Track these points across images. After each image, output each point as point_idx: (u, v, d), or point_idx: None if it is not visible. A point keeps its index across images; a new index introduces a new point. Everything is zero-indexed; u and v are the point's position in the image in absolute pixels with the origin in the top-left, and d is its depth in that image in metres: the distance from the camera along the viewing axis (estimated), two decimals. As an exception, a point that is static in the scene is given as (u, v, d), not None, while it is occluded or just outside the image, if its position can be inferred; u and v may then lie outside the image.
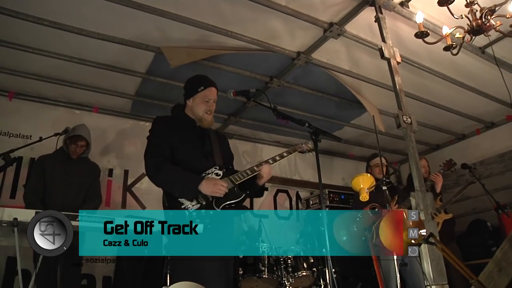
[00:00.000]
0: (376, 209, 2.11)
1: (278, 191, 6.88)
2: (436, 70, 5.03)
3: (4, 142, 4.92)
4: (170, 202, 2.77)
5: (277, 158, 3.14)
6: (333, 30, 4.21)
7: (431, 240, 2.18)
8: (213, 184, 2.75)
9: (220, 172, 2.91)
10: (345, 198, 6.38)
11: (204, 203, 2.72)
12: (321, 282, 4.43)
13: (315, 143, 2.94)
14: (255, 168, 2.97)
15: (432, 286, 2.97)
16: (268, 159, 3.08)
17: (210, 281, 2.53)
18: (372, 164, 4.83)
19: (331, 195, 6.31)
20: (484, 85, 5.44)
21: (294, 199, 7.04)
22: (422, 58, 4.80)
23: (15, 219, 3.51)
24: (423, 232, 2.37)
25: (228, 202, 2.79)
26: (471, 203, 5.85)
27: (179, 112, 3.18)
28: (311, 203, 6.64)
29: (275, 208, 6.73)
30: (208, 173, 2.87)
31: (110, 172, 5.58)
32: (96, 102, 5.58)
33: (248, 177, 2.94)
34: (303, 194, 7.10)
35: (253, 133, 6.67)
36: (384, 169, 4.67)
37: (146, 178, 5.61)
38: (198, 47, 4.40)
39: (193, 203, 2.71)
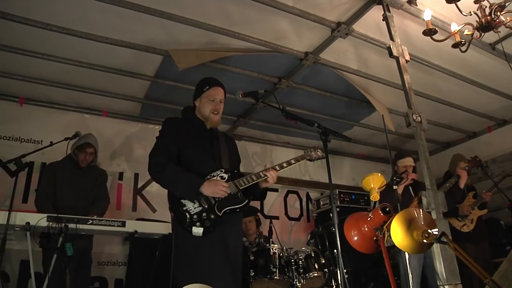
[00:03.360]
0: (388, 209, 2.10)
1: (288, 192, 6.87)
2: (445, 68, 5.00)
3: (16, 148, 4.98)
4: (173, 203, 2.77)
5: (285, 165, 3.10)
6: (340, 29, 4.20)
7: (443, 239, 2.14)
8: (214, 184, 2.74)
9: (225, 176, 2.88)
10: (355, 198, 6.34)
11: (206, 206, 2.70)
12: (333, 282, 4.43)
13: (325, 143, 2.93)
14: (261, 174, 2.94)
15: (445, 286, 2.94)
16: (275, 165, 3.04)
17: (216, 284, 2.52)
18: (400, 164, 4.73)
19: (342, 195, 6.28)
20: (494, 82, 5.39)
21: (304, 200, 7.02)
22: (431, 56, 4.77)
23: (28, 223, 3.57)
24: (435, 231, 2.33)
25: (230, 207, 2.76)
26: (484, 202, 5.77)
27: (189, 113, 3.17)
28: (321, 203, 6.61)
29: (286, 209, 6.72)
30: (214, 176, 2.85)
31: (120, 175, 5.61)
32: (105, 106, 5.62)
33: (253, 182, 2.91)
34: (313, 194, 7.08)
35: (262, 134, 6.67)
36: (411, 170, 4.61)
37: (157, 181, 5.67)
38: (206, 49, 4.41)
39: (195, 205, 2.69)
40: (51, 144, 4.23)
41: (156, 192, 5.69)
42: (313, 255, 4.35)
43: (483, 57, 4.78)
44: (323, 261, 4.39)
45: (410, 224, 2.40)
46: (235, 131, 6.33)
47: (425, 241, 2.26)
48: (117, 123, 5.75)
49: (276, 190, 6.66)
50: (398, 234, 2.33)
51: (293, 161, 3.17)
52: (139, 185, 5.69)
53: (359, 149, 7.50)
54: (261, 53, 4.54)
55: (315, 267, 4.26)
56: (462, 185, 4.71)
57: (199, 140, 3.02)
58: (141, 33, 4.19)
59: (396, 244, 2.32)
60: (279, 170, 3.02)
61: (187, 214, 2.66)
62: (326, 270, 4.34)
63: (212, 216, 2.68)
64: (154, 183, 5.70)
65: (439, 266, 3.01)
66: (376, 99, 5.49)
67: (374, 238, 2.14)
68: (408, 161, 4.72)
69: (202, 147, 3.00)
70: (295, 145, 7.04)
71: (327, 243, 5.02)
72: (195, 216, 2.65)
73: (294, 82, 5.13)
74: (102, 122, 5.57)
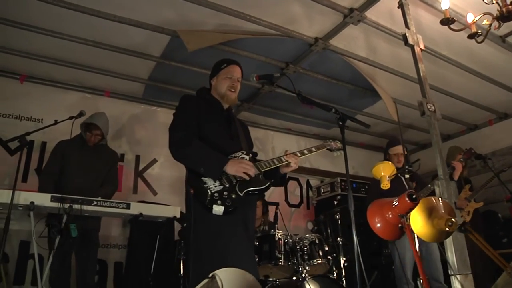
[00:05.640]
0: (414, 196, 2.07)
1: (289, 178, 6.79)
2: (453, 59, 4.97)
3: (16, 125, 4.92)
4: (193, 180, 2.68)
5: (306, 152, 3.08)
6: (353, 16, 4.14)
7: (466, 228, 2.14)
8: (238, 162, 2.68)
9: (247, 157, 2.82)
10: (356, 187, 6.36)
11: (227, 185, 2.63)
12: (334, 270, 4.44)
13: (342, 129, 2.91)
14: (282, 158, 2.90)
15: (457, 276, 2.94)
16: (296, 152, 3.01)
17: (241, 267, 2.47)
18: (391, 152, 4.74)
19: (343, 184, 6.30)
20: (500, 75, 5.38)
21: (304, 187, 7.02)
22: (440, 47, 4.73)
23: (32, 202, 3.50)
24: (455, 220, 2.32)
25: (251, 188, 2.69)
26: (482, 194, 5.81)
27: (205, 93, 3.09)
28: (322, 191, 6.62)
29: (286, 195, 6.70)
30: (235, 156, 2.79)
31: (122, 157, 5.51)
32: (108, 86, 5.52)
33: (275, 166, 2.87)
34: (313, 182, 7.10)
35: (265, 120, 6.61)
36: (402, 158, 4.60)
37: (158, 163, 5.63)
38: (215, 31, 4.33)
39: (216, 183, 2.62)
40: (56, 122, 4.13)
41: (157, 174, 5.67)
42: (317, 242, 4.33)
43: (491, 49, 4.75)
44: (327, 249, 4.38)
45: (431, 213, 2.40)
46: (238, 115, 6.23)
47: (447, 229, 2.25)
48: (119, 104, 5.66)
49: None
50: (418, 222, 2.32)
51: (314, 149, 3.16)
52: (140, 167, 5.63)
53: (359, 138, 7.46)
54: (271, 36, 4.46)
55: (319, 254, 4.25)
56: (456, 177, 4.68)
57: (217, 118, 2.95)
58: (151, 12, 4.09)
59: (416, 232, 2.31)
60: (300, 157, 2.98)
61: (208, 191, 2.58)
62: (329, 257, 4.34)
63: (234, 196, 2.61)
64: (155, 165, 5.67)
65: (451, 256, 3.01)
66: (382, 89, 5.45)
67: (399, 225, 2.12)
68: (399, 149, 4.73)
69: (220, 125, 2.93)
70: (297, 132, 7.04)
71: (329, 231, 5.04)
72: (216, 194, 2.57)
73: (301, 67, 5.07)
74: (104, 102, 5.47)
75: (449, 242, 3.01)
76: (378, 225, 2.21)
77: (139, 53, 4.74)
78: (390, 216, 2.16)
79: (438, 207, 2.43)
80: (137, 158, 5.63)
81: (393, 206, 2.14)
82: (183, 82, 5.26)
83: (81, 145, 4.37)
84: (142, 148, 5.67)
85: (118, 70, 5.15)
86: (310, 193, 7.02)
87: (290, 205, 6.69)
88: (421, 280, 3.72)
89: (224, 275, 1.34)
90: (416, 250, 2.07)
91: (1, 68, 4.99)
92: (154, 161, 5.68)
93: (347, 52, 4.83)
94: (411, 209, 2.11)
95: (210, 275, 1.35)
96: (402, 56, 4.87)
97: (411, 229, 2.20)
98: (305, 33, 4.51)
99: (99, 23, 4.17)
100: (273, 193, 6.45)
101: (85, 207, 3.71)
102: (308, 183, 7.07)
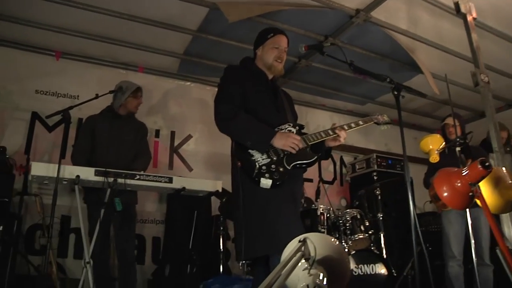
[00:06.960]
0: (487, 164, 1.99)
1: (323, 154, 6.79)
2: (498, 30, 4.78)
3: (53, 102, 4.93)
4: (240, 153, 2.63)
5: (353, 125, 2.96)
6: (398, -16, 4.01)
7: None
8: (286, 136, 2.61)
9: (293, 130, 2.76)
10: (392, 163, 6.29)
11: (274, 158, 2.57)
12: (373, 245, 4.39)
13: (397, 98, 2.82)
14: (329, 131, 2.81)
15: (514, 249, 2.87)
16: (343, 125, 2.91)
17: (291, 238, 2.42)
18: (444, 123, 4.62)
19: (379, 160, 6.22)
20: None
21: (338, 163, 6.95)
22: (486, 17, 4.54)
23: (78, 176, 3.49)
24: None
25: (299, 162, 2.63)
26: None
27: (249, 63, 3.00)
28: (357, 167, 6.55)
29: (320, 172, 6.64)
30: (282, 129, 2.72)
31: (157, 133, 5.53)
32: (141, 62, 5.49)
33: (322, 139, 2.78)
34: (347, 158, 7.03)
35: (299, 95, 6.47)
36: (459, 129, 4.46)
37: (193, 139, 5.62)
38: (255, 2, 4.23)
39: (264, 156, 2.57)
40: (97, 96, 4.08)
41: (193, 150, 5.66)
42: (358, 217, 4.27)
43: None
44: (368, 224, 4.32)
45: (497, 183, 2.32)
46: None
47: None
48: (154, 80, 5.63)
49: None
50: (484, 192, 2.24)
51: (361, 122, 3.03)
52: (176, 143, 5.62)
53: (392, 114, 7.29)
54: (312, 8, 4.35)
55: (360, 229, 4.19)
56: None
57: (262, 89, 2.87)
58: (190, -17, 4.02)
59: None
60: (347, 130, 2.90)
61: (256, 164, 2.53)
62: (370, 232, 4.28)
63: (281, 169, 2.55)
64: (190, 141, 5.66)
65: (507, 230, 2.96)
66: (422, 62, 5.30)
67: (470, 193, 2.05)
68: (447, 120, 4.60)
69: (265, 97, 2.85)
70: (331, 108, 6.95)
71: (366, 206, 4.99)
72: (264, 167, 2.52)
73: (340, 40, 4.94)
74: (138, 78, 5.40)
75: (505, 216, 2.95)
76: (446, 194, 2.14)
77: (175, 27, 4.68)
78: (459, 184, 2.08)
79: (504, 177, 2.35)
80: (172, 134, 5.62)
81: (463, 174, 2.07)
82: (219, 57, 5.19)
83: (110, 117, 4.23)
84: (177, 124, 5.66)
85: (153, 45, 5.10)
86: (344, 170, 6.96)
87: (324, 182, 6.61)
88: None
89: (314, 238, 1.29)
90: (492, 219, 1.99)
91: (38, 45, 5.00)
92: (189, 137, 5.66)
93: (387, 24, 4.69)
94: (483, 177, 2.02)
95: (302, 239, 1.31)
96: (444, 28, 4.72)
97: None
98: (346, 5, 4.38)
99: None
100: (308, 169, 6.40)
101: (129, 181, 3.68)
102: (341, 159, 7.00)
